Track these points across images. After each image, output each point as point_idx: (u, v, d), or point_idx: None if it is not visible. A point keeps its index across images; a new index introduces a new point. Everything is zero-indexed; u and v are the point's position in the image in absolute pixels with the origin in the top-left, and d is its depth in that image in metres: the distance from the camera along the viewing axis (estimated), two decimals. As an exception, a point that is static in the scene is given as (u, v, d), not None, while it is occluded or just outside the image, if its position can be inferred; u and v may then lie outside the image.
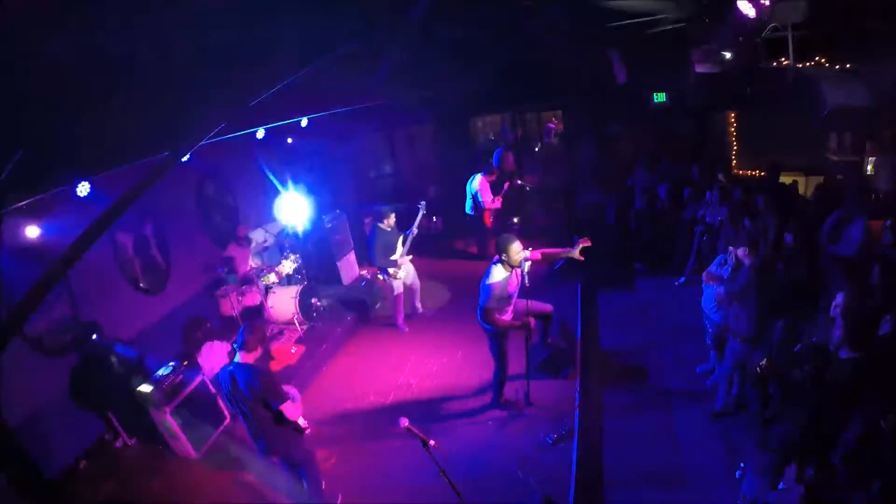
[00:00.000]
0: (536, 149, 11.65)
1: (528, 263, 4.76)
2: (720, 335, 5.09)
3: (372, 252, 6.80)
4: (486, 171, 8.17)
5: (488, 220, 8.49)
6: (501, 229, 9.16)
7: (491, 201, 8.23)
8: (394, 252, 6.75)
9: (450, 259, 9.23)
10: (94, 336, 5.42)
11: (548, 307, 5.43)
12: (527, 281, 4.78)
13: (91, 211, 3.84)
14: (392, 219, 6.75)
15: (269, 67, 3.83)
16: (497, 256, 4.78)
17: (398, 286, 6.92)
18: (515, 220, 8.98)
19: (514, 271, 4.78)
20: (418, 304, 7.44)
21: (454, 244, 9.69)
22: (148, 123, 3.46)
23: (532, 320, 5.01)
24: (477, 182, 8.22)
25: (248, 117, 4.74)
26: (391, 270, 6.80)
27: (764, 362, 3.36)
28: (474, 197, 8.27)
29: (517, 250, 4.68)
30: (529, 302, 5.18)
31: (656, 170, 8.62)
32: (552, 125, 11.45)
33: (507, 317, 4.98)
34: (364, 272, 8.90)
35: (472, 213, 8.52)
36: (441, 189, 10.39)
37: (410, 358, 6.45)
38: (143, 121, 3.41)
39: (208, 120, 3.66)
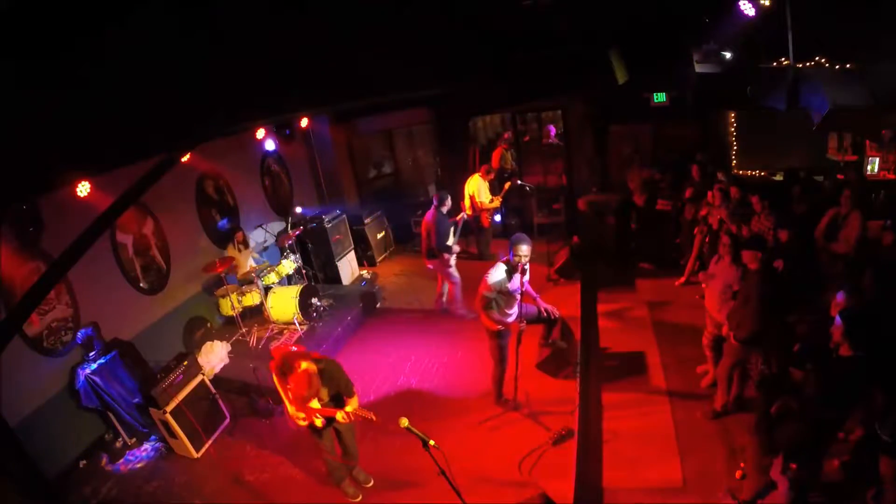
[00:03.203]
0: (538, 148, 11.65)
1: (528, 266, 4.79)
2: (721, 334, 5.09)
3: (439, 236, 6.80)
4: (484, 171, 8.17)
5: (486, 220, 8.49)
6: (502, 230, 9.21)
7: (489, 201, 8.23)
8: (448, 238, 6.85)
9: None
10: (95, 336, 5.43)
11: (555, 312, 5.42)
12: (525, 282, 4.81)
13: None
14: (449, 203, 6.88)
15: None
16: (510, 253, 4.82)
17: (456, 273, 6.94)
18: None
19: (516, 271, 4.80)
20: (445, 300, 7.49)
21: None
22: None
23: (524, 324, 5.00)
24: (475, 182, 8.22)
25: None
26: (448, 256, 6.86)
27: (764, 365, 3.38)
28: (472, 197, 8.27)
29: (522, 252, 4.71)
30: (539, 303, 5.20)
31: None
32: (553, 126, 11.45)
33: (512, 316, 4.99)
34: (364, 272, 8.90)
35: (471, 214, 8.51)
36: (441, 189, 10.38)
37: (411, 357, 6.45)
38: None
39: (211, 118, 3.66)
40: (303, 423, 4.18)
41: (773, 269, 4.94)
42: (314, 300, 7.22)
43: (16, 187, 3.20)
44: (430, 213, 6.92)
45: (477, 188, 8.21)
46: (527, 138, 11.10)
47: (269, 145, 8.04)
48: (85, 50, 2.80)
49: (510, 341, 5.11)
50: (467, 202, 8.43)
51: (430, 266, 7.16)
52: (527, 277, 4.82)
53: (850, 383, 3.36)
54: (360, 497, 4.53)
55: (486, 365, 5.38)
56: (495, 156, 9.90)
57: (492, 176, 8.23)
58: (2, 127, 2.73)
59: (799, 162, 8.16)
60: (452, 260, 6.94)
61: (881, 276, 4.66)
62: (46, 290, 3.77)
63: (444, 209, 6.84)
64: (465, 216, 7.25)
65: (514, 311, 4.99)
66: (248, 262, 7.32)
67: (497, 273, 4.80)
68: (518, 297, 4.89)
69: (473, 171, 8.58)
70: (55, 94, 2.84)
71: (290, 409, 4.18)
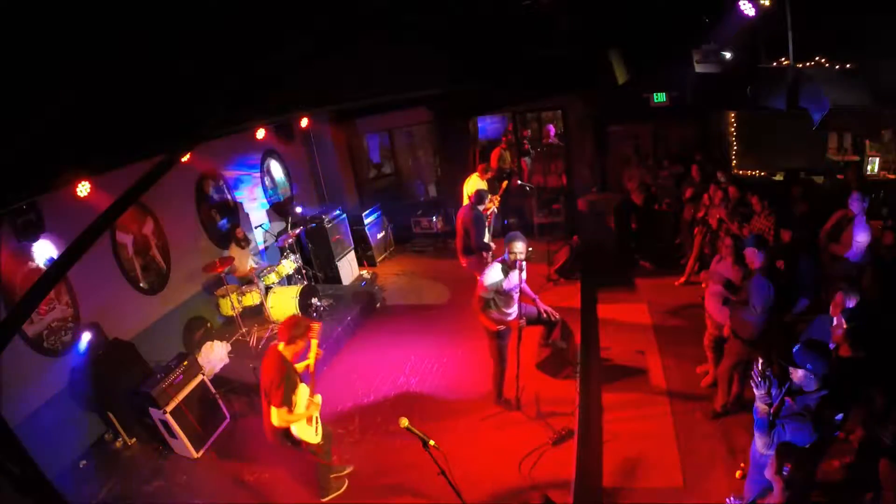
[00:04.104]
0: (538, 149, 11.67)
1: (524, 264, 4.80)
2: (721, 334, 5.10)
3: (478, 234, 6.83)
4: (482, 171, 8.16)
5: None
6: (501, 230, 9.20)
7: (488, 201, 8.21)
8: (484, 235, 6.88)
9: (449, 258, 9.22)
10: (94, 335, 5.43)
11: (555, 314, 5.43)
12: (522, 280, 4.83)
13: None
14: (487, 202, 6.94)
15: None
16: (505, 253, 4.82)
17: None
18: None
19: (513, 269, 4.80)
20: None
21: (454, 243, 9.68)
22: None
23: (523, 321, 5.00)
24: (473, 182, 8.20)
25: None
26: (486, 253, 6.88)
27: (763, 364, 3.38)
28: (471, 197, 8.26)
29: (516, 249, 4.71)
30: (539, 305, 5.21)
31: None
32: (552, 126, 11.47)
33: (511, 315, 4.99)
34: (364, 272, 8.90)
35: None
36: (441, 189, 10.40)
37: (410, 357, 6.45)
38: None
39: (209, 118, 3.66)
40: (316, 411, 4.12)
41: (774, 268, 4.94)
42: (314, 300, 7.22)
43: (16, 187, 3.19)
44: (465, 212, 6.92)
45: (475, 188, 8.19)
46: (527, 133, 11.10)
47: (269, 145, 8.05)
48: (85, 49, 2.80)
49: (510, 341, 5.11)
50: (466, 202, 8.43)
51: (465, 264, 7.15)
52: (524, 276, 4.83)
53: (851, 383, 3.37)
54: (346, 483, 4.57)
55: (486, 365, 5.38)
56: (494, 155, 9.90)
57: (489, 175, 8.22)
58: (2, 127, 2.73)
59: (799, 162, 8.16)
60: (490, 257, 6.94)
61: (881, 276, 4.67)
62: (46, 290, 3.77)
63: (481, 208, 6.84)
64: (496, 211, 7.32)
65: (514, 309, 4.99)
66: (249, 262, 7.32)
67: (493, 273, 4.81)
68: (516, 295, 4.90)
69: (472, 171, 8.58)
70: (55, 94, 2.84)
71: (298, 418, 3.99)
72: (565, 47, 6.62)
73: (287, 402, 3.87)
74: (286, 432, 3.98)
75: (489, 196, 8.02)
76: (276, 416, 3.84)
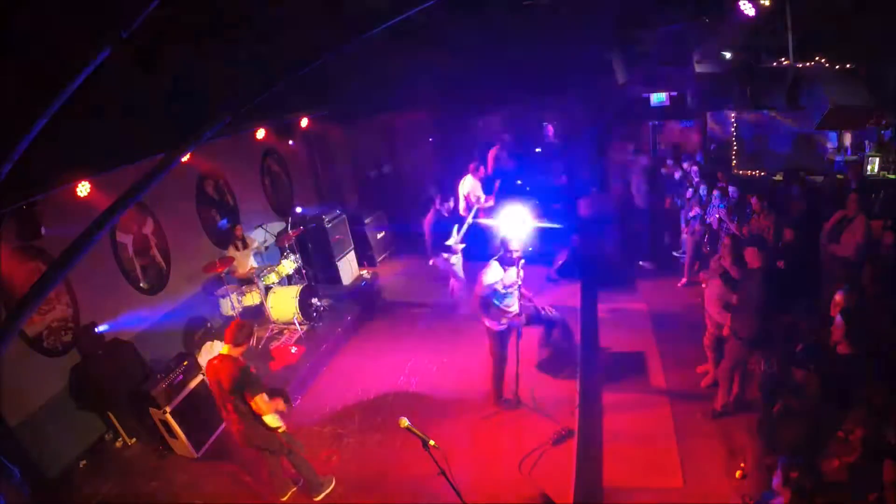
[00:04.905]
0: (537, 149, 11.67)
1: (522, 261, 4.84)
2: (721, 334, 5.10)
3: (434, 236, 6.91)
4: (473, 169, 8.14)
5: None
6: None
7: (483, 201, 8.20)
8: (448, 237, 6.89)
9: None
10: (95, 334, 5.43)
11: (555, 314, 5.44)
12: (520, 279, 4.86)
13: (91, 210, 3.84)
14: (451, 205, 6.97)
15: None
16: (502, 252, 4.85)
17: (460, 271, 6.97)
18: None
19: (510, 267, 4.81)
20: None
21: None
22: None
23: (524, 318, 5.03)
24: (467, 182, 8.19)
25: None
26: (446, 255, 6.92)
27: (765, 365, 3.38)
28: (466, 197, 8.25)
29: (513, 247, 4.76)
30: (535, 303, 5.22)
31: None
32: (551, 126, 11.46)
33: (510, 313, 5.00)
34: (364, 272, 8.90)
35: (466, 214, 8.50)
36: (441, 189, 10.38)
37: (411, 357, 6.44)
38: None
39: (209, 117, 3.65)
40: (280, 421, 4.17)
41: (774, 268, 4.94)
42: (314, 300, 7.22)
43: (16, 187, 3.20)
44: (428, 216, 6.98)
45: (471, 188, 8.19)
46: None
47: (270, 145, 8.04)
48: (85, 51, 2.80)
49: (510, 340, 5.12)
50: (462, 203, 8.41)
51: (436, 263, 7.17)
52: (522, 274, 4.84)
53: (851, 382, 3.37)
54: (334, 481, 4.60)
55: (486, 365, 5.38)
56: (490, 155, 9.88)
57: (481, 173, 8.20)
58: (2, 127, 2.73)
59: (799, 162, 8.16)
60: (454, 259, 6.93)
61: (880, 275, 4.67)
62: (46, 290, 3.76)
63: (444, 210, 6.86)
64: (479, 210, 7.39)
65: (513, 308, 5.00)
66: (249, 262, 7.32)
67: (492, 272, 4.82)
68: (514, 293, 4.92)
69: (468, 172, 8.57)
70: (56, 94, 2.84)
71: (268, 410, 4.05)
72: (564, 46, 6.63)
73: (262, 389, 4.02)
74: (262, 422, 4.08)
75: (483, 197, 8.03)
76: (262, 405, 3.97)
